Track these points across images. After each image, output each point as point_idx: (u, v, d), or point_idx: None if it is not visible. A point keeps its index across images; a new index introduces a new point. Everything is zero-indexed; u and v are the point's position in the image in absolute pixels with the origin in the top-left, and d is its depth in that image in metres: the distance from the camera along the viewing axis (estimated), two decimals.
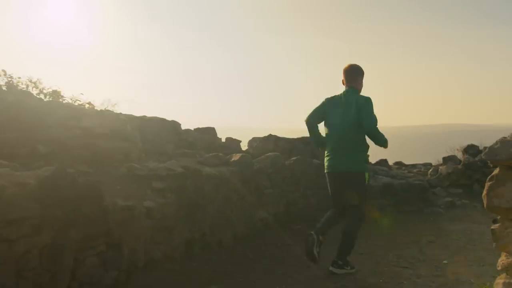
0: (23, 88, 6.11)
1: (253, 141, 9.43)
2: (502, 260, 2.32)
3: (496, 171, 2.28)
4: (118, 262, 3.61)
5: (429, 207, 7.84)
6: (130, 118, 6.45)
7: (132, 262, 3.79)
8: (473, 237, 5.85)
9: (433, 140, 60.68)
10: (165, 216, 4.24)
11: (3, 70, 5.88)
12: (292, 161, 6.97)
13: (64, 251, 3.10)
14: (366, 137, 4.36)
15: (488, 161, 2.22)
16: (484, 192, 2.30)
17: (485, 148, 9.91)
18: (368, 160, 4.61)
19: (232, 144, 9.27)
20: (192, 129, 8.88)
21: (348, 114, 4.29)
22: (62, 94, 6.41)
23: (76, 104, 6.25)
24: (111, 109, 7.23)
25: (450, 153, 11.21)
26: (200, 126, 9.28)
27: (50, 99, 6.15)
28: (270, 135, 9.32)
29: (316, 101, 4.71)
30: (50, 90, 6.38)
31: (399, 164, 11.28)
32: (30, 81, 6.30)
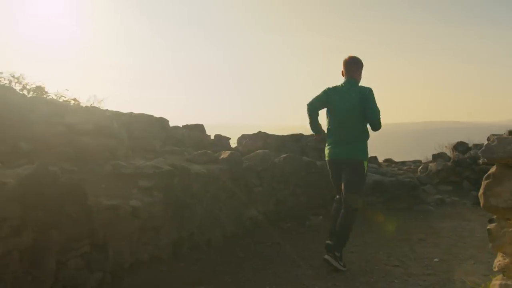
0: (6, 83, 5.94)
1: (243, 138, 9.35)
2: (499, 260, 2.25)
3: (493, 169, 2.20)
4: (103, 263, 3.51)
5: (419, 204, 7.83)
6: (117, 114, 6.31)
7: (118, 263, 3.69)
8: (463, 234, 5.84)
9: (420, 137, 61.24)
10: (152, 215, 4.14)
11: None
12: (282, 159, 6.89)
13: (46, 253, 2.99)
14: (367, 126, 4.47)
15: (485, 159, 2.14)
16: (481, 191, 2.22)
17: (474, 145, 9.93)
18: (367, 149, 4.64)
19: (221, 141, 9.18)
20: (181, 126, 8.76)
21: (351, 103, 4.39)
22: (46, 90, 6.27)
23: (60, 100, 6.11)
24: (97, 106, 7.09)
25: (439, 150, 11.20)
26: (189, 123, 9.17)
27: (34, 95, 6.00)
28: (259, 132, 9.26)
29: (306, 99, 4.93)
30: (34, 85, 6.22)
31: (388, 161, 11.26)
32: (13, 76, 6.15)
